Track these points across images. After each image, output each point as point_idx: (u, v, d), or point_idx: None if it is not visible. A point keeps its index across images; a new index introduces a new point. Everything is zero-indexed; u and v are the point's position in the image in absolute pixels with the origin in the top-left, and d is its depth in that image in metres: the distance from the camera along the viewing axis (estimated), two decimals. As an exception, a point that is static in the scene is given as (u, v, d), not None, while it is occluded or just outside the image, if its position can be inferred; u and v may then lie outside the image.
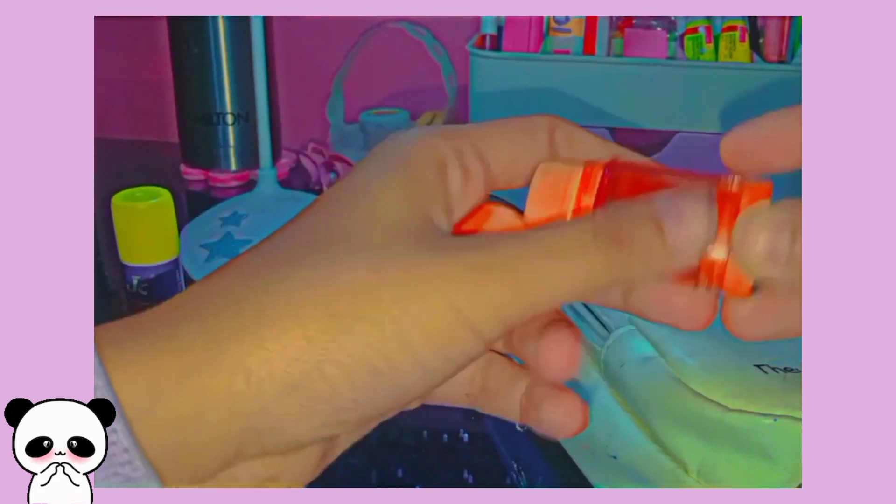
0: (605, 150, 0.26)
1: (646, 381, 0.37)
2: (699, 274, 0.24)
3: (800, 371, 0.35)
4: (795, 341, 0.26)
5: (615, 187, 0.25)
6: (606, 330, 0.40)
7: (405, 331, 0.21)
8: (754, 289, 0.25)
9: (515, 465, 0.44)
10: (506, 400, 0.28)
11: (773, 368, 0.35)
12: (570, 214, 0.25)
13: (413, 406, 0.25)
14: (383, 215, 0.23)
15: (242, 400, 0.21)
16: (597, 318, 0.41)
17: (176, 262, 0.46)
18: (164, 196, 0.45)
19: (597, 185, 0.25)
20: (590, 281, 0.22)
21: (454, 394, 0.28)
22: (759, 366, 0.35)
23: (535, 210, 0.25)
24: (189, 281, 0.63)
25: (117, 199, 0.45)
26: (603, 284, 0.23)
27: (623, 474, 0.39)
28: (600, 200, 0.25)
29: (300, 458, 0.25)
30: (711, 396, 0.34)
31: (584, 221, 0.23)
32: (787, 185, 0.27)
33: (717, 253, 0.24)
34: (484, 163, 0.25)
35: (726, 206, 0.24)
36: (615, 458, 0.39)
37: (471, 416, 0.49)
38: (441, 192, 0.24)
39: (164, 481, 0.21)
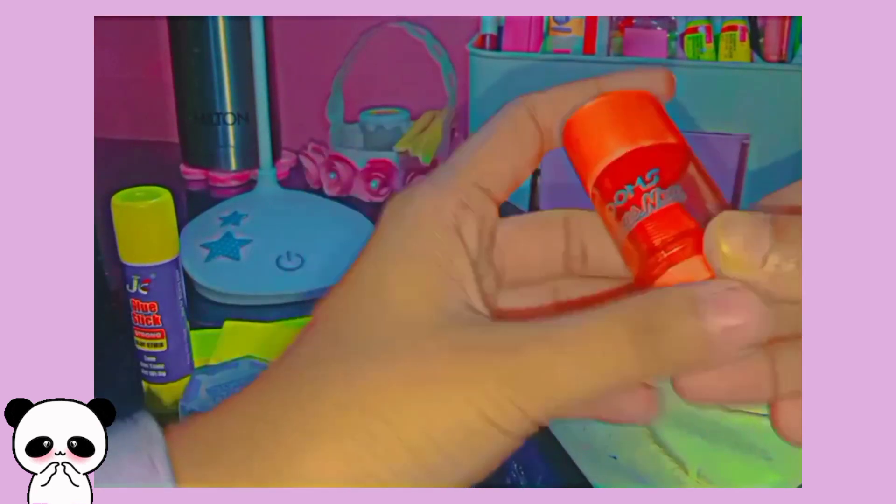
0: (588, 93, 0.26)
1: (646, 381, 0.37)
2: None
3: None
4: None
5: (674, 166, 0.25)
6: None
7: (436, 440, 0.21)
8: None
9: (515, 465, 0.44)
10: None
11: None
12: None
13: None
14: (401, 316, 0.23)
15: None
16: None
17: (176, 261, 0.46)
18: (164, 196, 0.45)
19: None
20: (620, 379, 0.21)
21: None
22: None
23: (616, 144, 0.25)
24: (189, 281, 0.63)
25: (117, 199, 0.45)
26: (633, 381, 0.22)
27: (623, 474, 0.39)
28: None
29: None
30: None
31: (616, 312, 0.22)
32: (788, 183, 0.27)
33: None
34: (491, 195, 0.25)
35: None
36: (615, 458, 0.39)
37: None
38: (458, 265, 0.24)
39: None
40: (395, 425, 0.21)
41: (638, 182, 0.24)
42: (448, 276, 0.23)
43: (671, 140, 0.26)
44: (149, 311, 0.46)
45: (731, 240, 0.22)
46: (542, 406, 0.21)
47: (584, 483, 0.42)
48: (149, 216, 0.45)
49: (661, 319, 0.21)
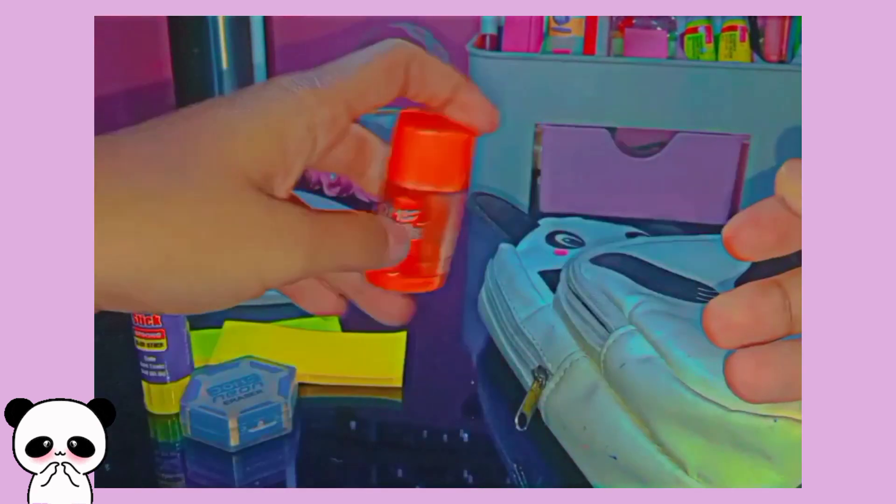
0: (449, 82, 0.31)
1: (646, 381, 0.37)
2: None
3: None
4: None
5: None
6: (606, 330, 0.40)
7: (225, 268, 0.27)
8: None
9: (515, 466, 0.44)
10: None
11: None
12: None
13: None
14: (235, 164, 0.28)
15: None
16: (597, 318, 0.41)
17: None
18: None
19: None
20: (300, 262, 0.28)
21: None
22: (759, 366, 0.35)
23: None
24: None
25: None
26: (310, 270, 0.28)
27: (623, 474, 0.39)
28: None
29: None
30: (711, 397, 0.34)
31: (307, 213, 0.28)
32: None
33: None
34: (352, 115, 0.30)
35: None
36: (615, 458, 0.39)
37: (471, 416, 0.49)
38: (298, 156, 0.29)
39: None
40: (194, 246, 0.26)
41: (398, 210, 0.32)
42: (286, 157, 0.29)
43: (448, 189, 0.32)
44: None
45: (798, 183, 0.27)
46: (323, 262, 0.29)
47: (584, 483, 0.42)
48: None
49: (338, 224, 0.29)
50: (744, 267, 0.46)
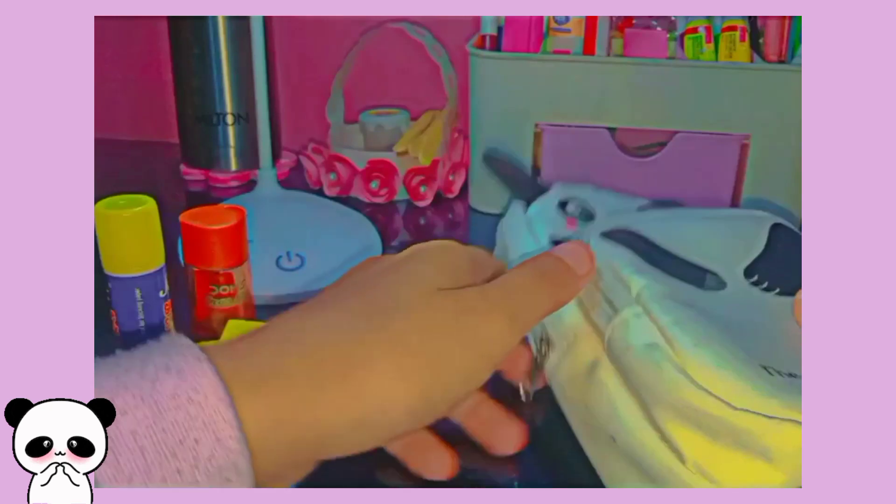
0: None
1: (650, 369, 0.36)
2: None
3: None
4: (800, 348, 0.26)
5: None
6: (612, 309, 0.40)
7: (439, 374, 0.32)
8: None
9: (515, 465, 0.44)
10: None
11: (779, 372, 0.35)
12: None
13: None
14: (419, 282, 0.34)
15: (331, 429, 0.30)
16: (603, 296, 0.41)
17: (161, 271, 0.44)
18: (149, 204, 0.43)
19: None
20: (506, 326, 0.35)
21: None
22: (764, 367, 0.35)
23: None
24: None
25: (100, 207, 0.43)
26: (518, 329, 0.35)
27: (621, 457, 0.39)
28: None
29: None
30: (716, 392, 0.34)
31: (487, 285, 0.35)
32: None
33: None
34: None
35: None
36: (614, 440, 0.39)
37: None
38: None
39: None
40: (421, 357, 0.31)
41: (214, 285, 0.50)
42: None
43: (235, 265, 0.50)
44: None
45: None
46: (524, 329, 0.36)
47: (584, 483, 0.42)
48: (133, 225, 0.42)
49: (545, 268, 0.38)
50: (755, 253, 0.45)
